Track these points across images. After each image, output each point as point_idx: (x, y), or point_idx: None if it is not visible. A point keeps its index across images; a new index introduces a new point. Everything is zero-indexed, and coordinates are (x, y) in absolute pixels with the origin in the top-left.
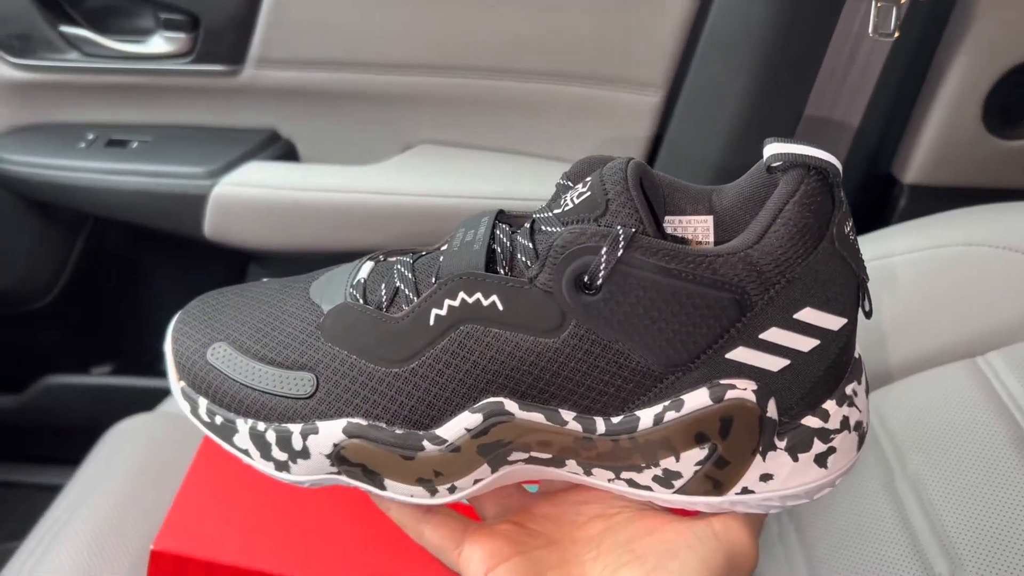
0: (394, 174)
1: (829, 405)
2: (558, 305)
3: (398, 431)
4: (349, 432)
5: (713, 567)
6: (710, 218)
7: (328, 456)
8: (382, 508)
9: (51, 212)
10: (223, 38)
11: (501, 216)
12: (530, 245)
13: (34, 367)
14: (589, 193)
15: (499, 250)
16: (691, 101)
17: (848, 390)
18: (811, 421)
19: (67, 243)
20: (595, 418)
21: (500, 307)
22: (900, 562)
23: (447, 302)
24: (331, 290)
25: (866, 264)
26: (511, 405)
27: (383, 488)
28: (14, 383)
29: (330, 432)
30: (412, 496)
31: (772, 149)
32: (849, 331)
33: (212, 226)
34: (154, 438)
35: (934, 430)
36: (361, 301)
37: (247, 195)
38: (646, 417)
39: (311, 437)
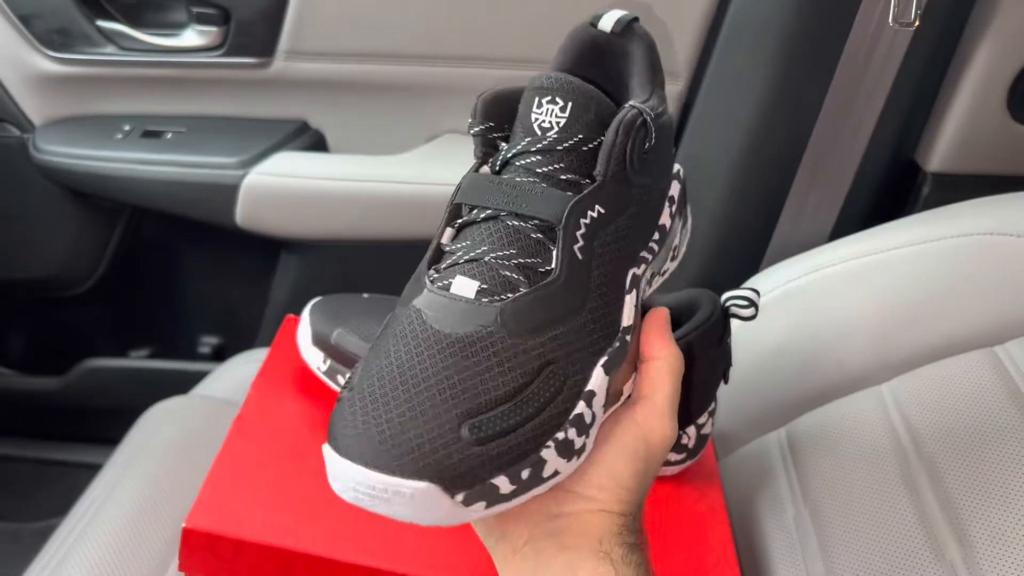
0: (420, 163)
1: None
2: (626, 184)
3: (616, 345)
4: (607, 370)
5: (636, 449)
6: None
7: (604, 404)
8: None
9: (90, 201)
10: (253, 31)
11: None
12: (537, 181)
13: (75, 351)
14: (571, 104)
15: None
16: (712, 89)
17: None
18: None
19: (106, 231)
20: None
21: (603, 210)
22: (913, 547)
23: (578, 234)
24: (453, 321)
25: (888, 252)
26: (635, 269)
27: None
28: (57, 366)
29: (597, 384)
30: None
31: (612, 16)
32: None
33: (244, 215)
34: (188, 419)
35: (951, 418)
36: (508, 296)
37: (277, 184)
38: (664, 217)
39: (593, 401)
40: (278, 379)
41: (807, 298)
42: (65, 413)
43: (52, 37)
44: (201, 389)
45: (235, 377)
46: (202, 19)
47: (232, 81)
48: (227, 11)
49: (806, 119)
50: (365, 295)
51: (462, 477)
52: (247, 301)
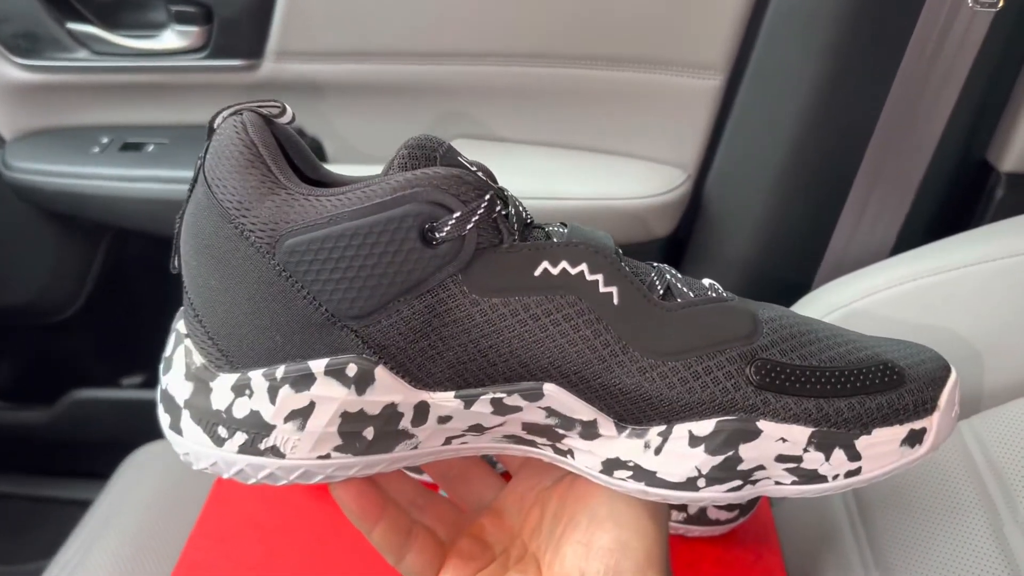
0: None
1: None
2: None
3: None
4: None
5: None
6: None
7: None
8: (364, 532)
9: (68, 221)
10: (239, 30)
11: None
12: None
13: (62, 380)
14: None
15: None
16: (756, 84)
17: None
18: None
19: (87, 253)
20: None
21: None
22: None
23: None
24: None
25: (962, 269)
26: None
27: None
28: (44, 396)
29: None
30: None
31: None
32: None
33: None
34: (172, 466)
35: None
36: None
37: None
38: None
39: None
40: None
41: (864, 324)
42: (54, 447)
43: (18, 42)
44: None
45: None
46: (182, 18)
47: (218, 86)
48: (209, 9)
49: (866, 117)
50: None
51: None
52: None
